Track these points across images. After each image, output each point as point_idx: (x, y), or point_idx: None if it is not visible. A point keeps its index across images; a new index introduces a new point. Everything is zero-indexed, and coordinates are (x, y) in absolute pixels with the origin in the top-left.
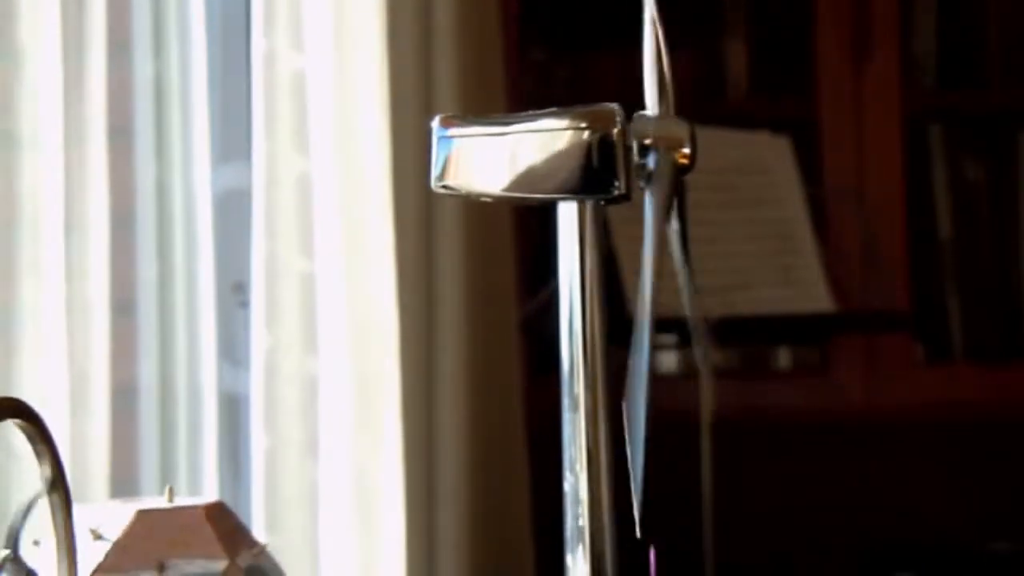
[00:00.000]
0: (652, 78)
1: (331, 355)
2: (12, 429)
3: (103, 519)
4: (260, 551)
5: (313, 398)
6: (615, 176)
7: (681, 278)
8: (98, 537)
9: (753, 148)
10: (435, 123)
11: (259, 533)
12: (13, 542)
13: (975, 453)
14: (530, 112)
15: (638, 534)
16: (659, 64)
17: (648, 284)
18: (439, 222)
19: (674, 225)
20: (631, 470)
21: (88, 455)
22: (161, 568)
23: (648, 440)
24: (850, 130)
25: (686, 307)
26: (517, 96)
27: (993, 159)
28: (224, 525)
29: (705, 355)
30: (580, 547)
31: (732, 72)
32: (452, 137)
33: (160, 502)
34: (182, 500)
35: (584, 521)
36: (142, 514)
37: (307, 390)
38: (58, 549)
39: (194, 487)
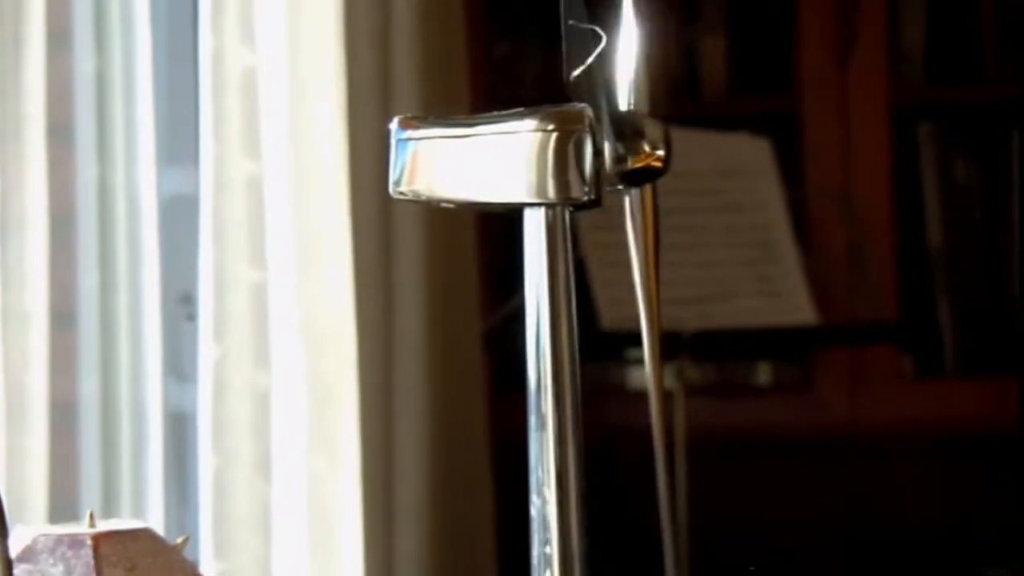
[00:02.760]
0: (625, 76)
1: (284, 369)
2: None
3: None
4: None
5: (265, 414)
6: (585, 181)
7: (640, 289)
8: None
9: (731, 150)
10: (394, 124)
11: (208, 558)
12: None
13: (968, 473)
14: (495, 113)
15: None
16: (632, 61)
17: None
18: (399, 229)
19: (634, 230)
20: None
21: (25, 475)
22: None
23: (619, 460)
24: (834, 129)
25: (641, 319)
26: (482, 94)
27: (986, 159)
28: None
29: (659, 373)
30: (547, 575)
31: (709, 69)
32: (412, 139)
33: (81, 528)
34: (106, 525)
35: (552, 548)
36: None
37: (258, 406)
38: None
39: (138, 509)
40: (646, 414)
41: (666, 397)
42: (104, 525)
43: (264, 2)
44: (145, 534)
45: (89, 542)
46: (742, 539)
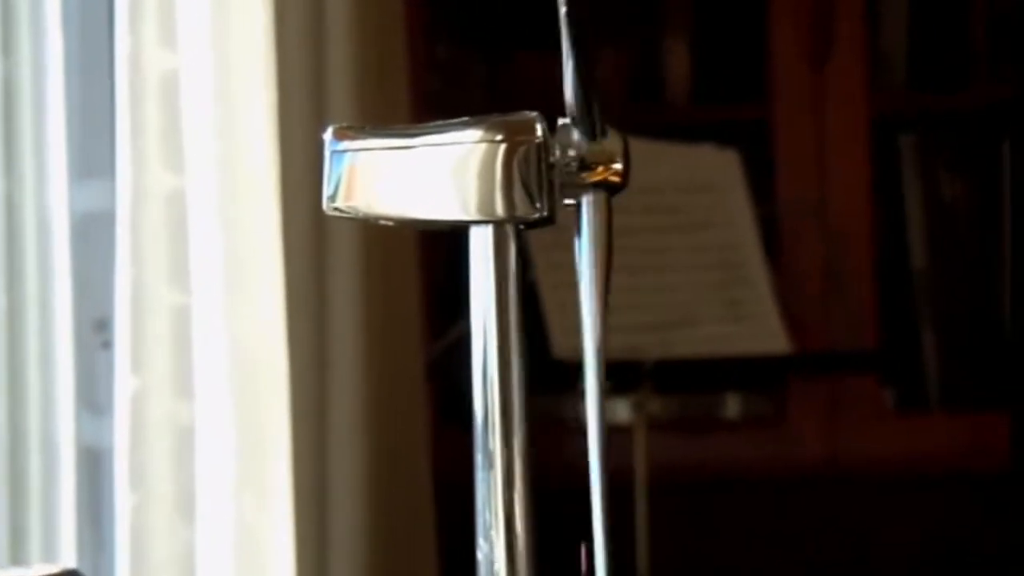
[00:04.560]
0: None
1: (209, 400)
2: None
3: None
4: None
5: (188, 449)
6: (536, 196)
7: (587, 315)
8: None
9: (696, 163)
10: (328, 135)
11: None
12: None
13: (954, 514)
14: (438, 123)
15: None
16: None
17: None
18: (333, 249)
19: (583, 250)
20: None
21: None
22: None
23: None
24: (809, 139)
25: (585, 347)
26: (423, 102)
27: (974, 173)
28: None
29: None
30: None
31: (672, 74)
32: (348, 151)
33: None
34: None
35: None
36: None
37: (180, 440)
38: None
39: (49, 553)
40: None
41: (625, 432)
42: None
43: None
44: None
45: None
46: None
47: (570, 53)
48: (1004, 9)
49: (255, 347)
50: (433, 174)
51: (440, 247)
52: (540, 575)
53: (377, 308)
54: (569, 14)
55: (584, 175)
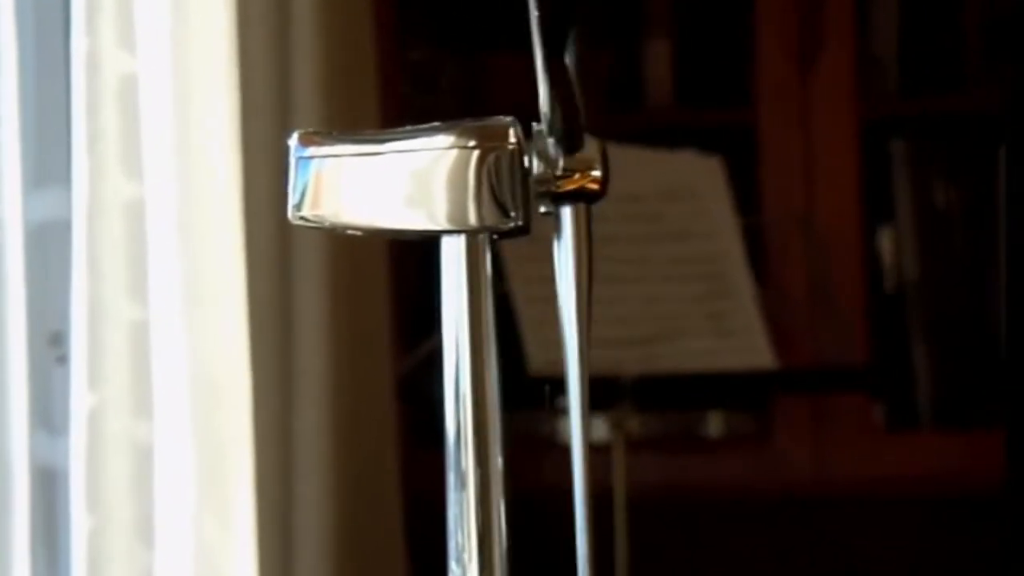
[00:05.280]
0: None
1: (168, 419)
2: None
3: None
4: None
5: (147, 470)
6: (510, 205)
7: (569, 328)
8: None
9: (678, 169)
10: (293, 140)
11: None
12: None
13: (945, 537)
14: (408, 128)
15: None
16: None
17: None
18: (299, 260)
19: (562, 260)
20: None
21: None
22: None
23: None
24: (796, 146)
25: (567, 363)
26: (394, 105)
27: (968, 180)
28: None
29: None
30: None
31: (653, 76)
32: (314, 157)
33: None
34: None
35: None
36: None
37: (139, 460)
38: None
39: None
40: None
41: (603, 451)
42: None
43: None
44: None
45: None
46: None
47: (543, 56)
48: (999, 8)
49: (217, 363)
50: (403, 182)
51: (411, 258)
52: None
53: (345, 322)
54: (541, 17)
55: (561, 183)
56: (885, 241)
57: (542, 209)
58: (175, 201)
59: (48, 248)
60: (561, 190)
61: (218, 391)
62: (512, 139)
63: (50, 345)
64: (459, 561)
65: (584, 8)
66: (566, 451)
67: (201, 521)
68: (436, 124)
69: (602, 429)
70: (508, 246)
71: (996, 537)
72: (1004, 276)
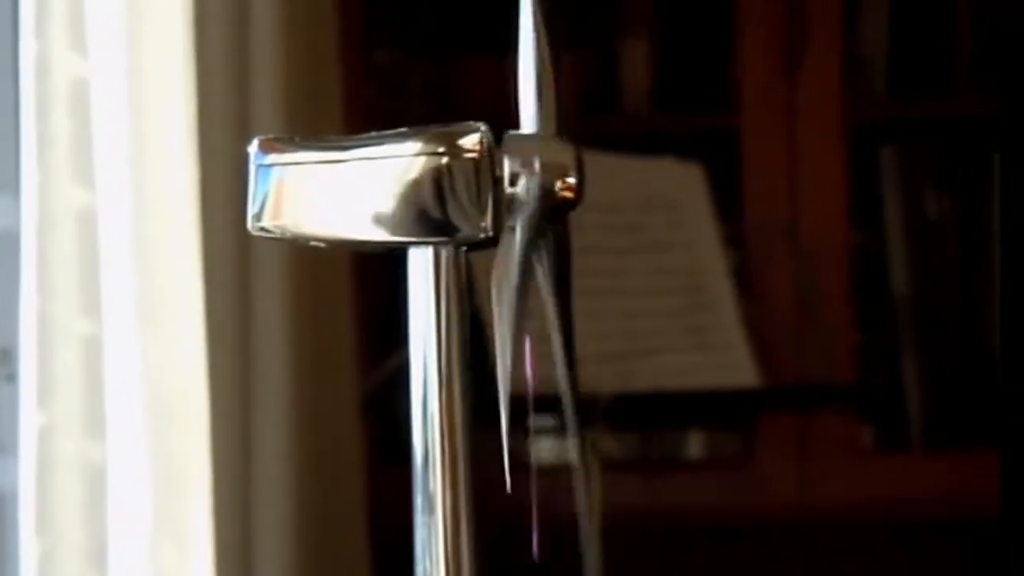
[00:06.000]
0: (529, 88)
1: (122, 439)
2: None
3: None
4: None
5: (99, 492)
6: (481, 215)
7: (556, 344)
8: None
9: (657, 177)
10: (253, 147)
11: None
12: None
13: (938, 564)
14: (373, 134)
15: None
16: (539, 71)
17: (506, 352)
18: (259, 273)
19: (544, 274)
20: None
21: None
22: None
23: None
24: (780, 152)
25: (560, 381)
26: (358, 110)
27: (961, 189)
28: None
29: (584, 443)
30: None
31: (630, 80)
32: (274, 165)
33: None
34: None
35: None
36: None
37: (92, 482)
38: None
39: None
40: (554, 494)
41: (575, 473)
42: None
43: (99, 0)
44: None
45: None
46: None
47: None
48: (993, 7)
49: (173, 381)
50: (368, 190)
51: (376, 270)
52: None
53: (307, 338)
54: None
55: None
56: (874, 252)
57: (511, 223)
58: (129, 211)
59: None
60: (534, 199)
61: (174, 410)
62: (483, 145)
63: None
64: None
65: (557, 9)
66: (539, 474)
67: (157, 545)
68: (403, 130)
69: (575, 450)
70: (481, 258)
71: (991, 564)
72: (999, 289)
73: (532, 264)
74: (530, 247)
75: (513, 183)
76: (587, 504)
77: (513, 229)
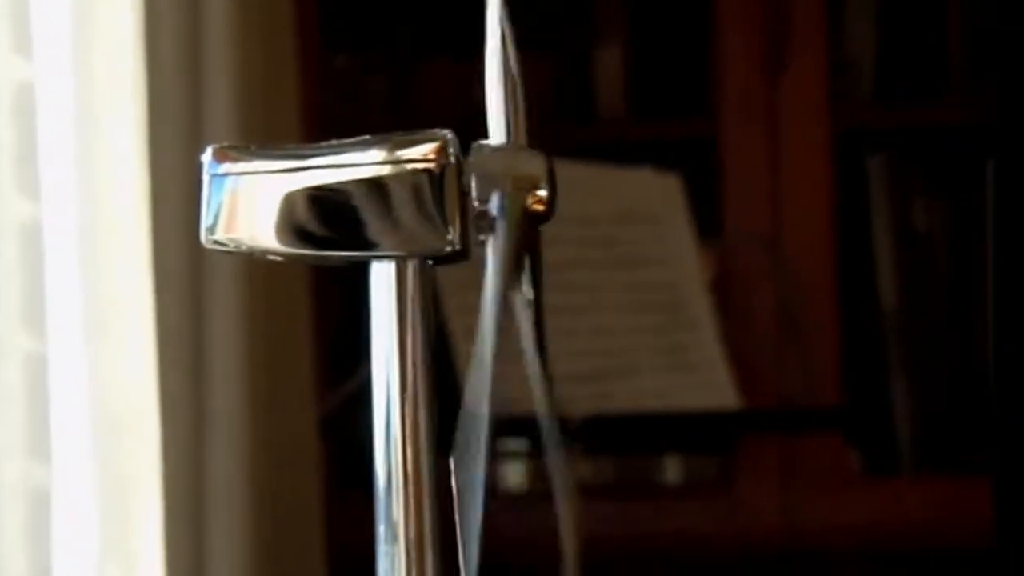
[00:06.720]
0: (497, 95)
1: (68, 460)
2: None
3: None
4: None
5: (43, 516)
6: (447, 227)
7: (531, 364)
8: None
9: (633, 188)
10: (207, 155)
11: None
12: None
13: None
14: (333, 142)
15: None
16: (507, 77)
17: (486, 371)
18: (213, 288)
19: (524, 293)
20: None
21: None
22: None
23: None
24: (763, 161)
25: (536, 402)
26: (317, 118)
27: (952, 199)
28: None
29: (561, 467)
30: None
31: (604, 85)
32: (229, 175)
33: None
34: None
35: None
36: None
37: (35, 506)
38: None
39: None
40: (524, 521)
41: (550, 499)
42: None
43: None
44: None
45: None
46: None
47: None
48: (985, 8)
49: (122, 400)
50: (328, 201)
51: (336, 285)
52: None
53: (263, 355)
54: (501, 15)
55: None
56: (860, 266)
57: (481, 237)
58: (76, 222)
59: None
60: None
61: (123, 431)
62: (449, 154)
63: None
64: None
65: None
66: (508, 500)
67: (104, 572)
68: (364, 138)
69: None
70: (445, 273)
71: None
72: (992, 304)
73: (509, 283)
74: (504, 267)
75: (481, 195)
76: (569, 529)
77: (484, 244)
